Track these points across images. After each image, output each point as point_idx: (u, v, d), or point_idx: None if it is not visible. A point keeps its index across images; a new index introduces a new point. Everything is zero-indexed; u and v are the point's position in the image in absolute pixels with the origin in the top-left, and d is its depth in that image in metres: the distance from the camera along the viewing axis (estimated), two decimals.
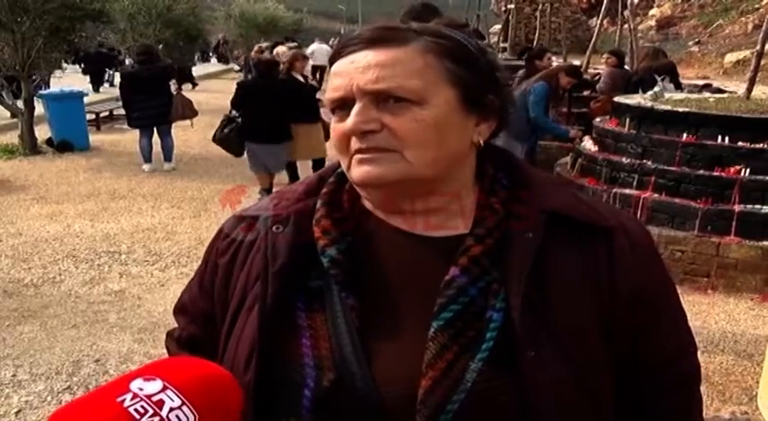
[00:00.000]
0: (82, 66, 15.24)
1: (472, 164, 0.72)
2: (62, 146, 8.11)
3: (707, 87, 6.87)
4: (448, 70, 0.67)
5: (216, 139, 5.79)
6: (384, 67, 0.66)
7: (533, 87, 4.70)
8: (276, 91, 5.51)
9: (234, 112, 5.63)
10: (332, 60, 0.70)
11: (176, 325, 0.87)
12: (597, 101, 6.04)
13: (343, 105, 0.68)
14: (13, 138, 8.37)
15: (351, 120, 0.67)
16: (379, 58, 0.66)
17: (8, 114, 8.26)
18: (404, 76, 0.65)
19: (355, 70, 0.67)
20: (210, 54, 20.65)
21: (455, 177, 0.71)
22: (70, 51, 9.84)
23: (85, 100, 8.90)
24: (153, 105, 6.79)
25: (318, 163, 5.86)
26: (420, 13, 0.75)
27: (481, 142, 0.71)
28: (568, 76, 4.86)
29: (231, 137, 5.57)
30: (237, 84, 6.11)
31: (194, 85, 15.47)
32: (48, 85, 10.24)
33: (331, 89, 0.69)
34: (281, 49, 8.64)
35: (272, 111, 5.42)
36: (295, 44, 9.67)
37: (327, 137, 5.88)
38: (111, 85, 14.72)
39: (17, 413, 2.64)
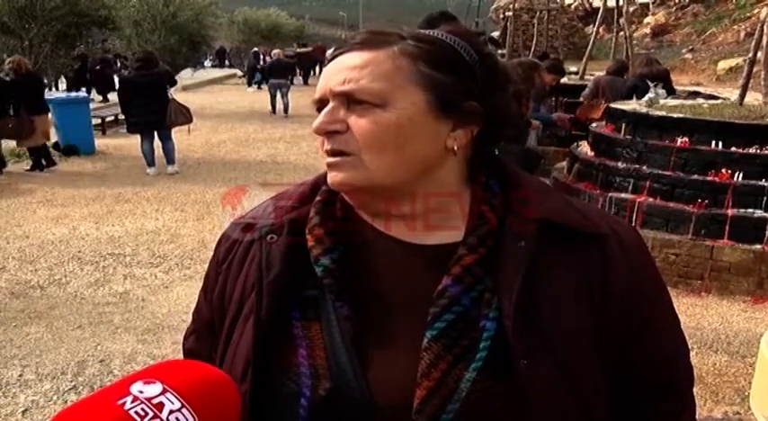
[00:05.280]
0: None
1: (453, 169, 0.71)
2: (68, 150, 8.20)
3: (698, 94, 6.90)
4: (420, 73, 0.66)
5: None
6: (353, 69, 0.66)
7: None
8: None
9: None
10: (327, 63, 0.71)
11: (178, 325, 0.90)
12: (590, 105, 6.08)
13: (322, 106, 0.69)
14: None
15: (317, 121, 0.68)
16: (352, 61, 0.67)
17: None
18: (369, 79, 0.65)
19: (331, 72, 0.68)
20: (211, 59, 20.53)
21: (431, 181, 0.69)
22: (76, 58, 9.97)
23: (91, 105, 9.03)
24: (149, 111, 6.85)
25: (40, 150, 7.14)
26: (437, 21, 0.73)
27: (455, 148, 0.69)
28: (551, 73, 4.72)
29: None
30: None
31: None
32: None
33: (316, 91, 0.70)
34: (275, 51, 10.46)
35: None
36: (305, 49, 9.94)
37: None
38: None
39: (24, 412, 2.66)
